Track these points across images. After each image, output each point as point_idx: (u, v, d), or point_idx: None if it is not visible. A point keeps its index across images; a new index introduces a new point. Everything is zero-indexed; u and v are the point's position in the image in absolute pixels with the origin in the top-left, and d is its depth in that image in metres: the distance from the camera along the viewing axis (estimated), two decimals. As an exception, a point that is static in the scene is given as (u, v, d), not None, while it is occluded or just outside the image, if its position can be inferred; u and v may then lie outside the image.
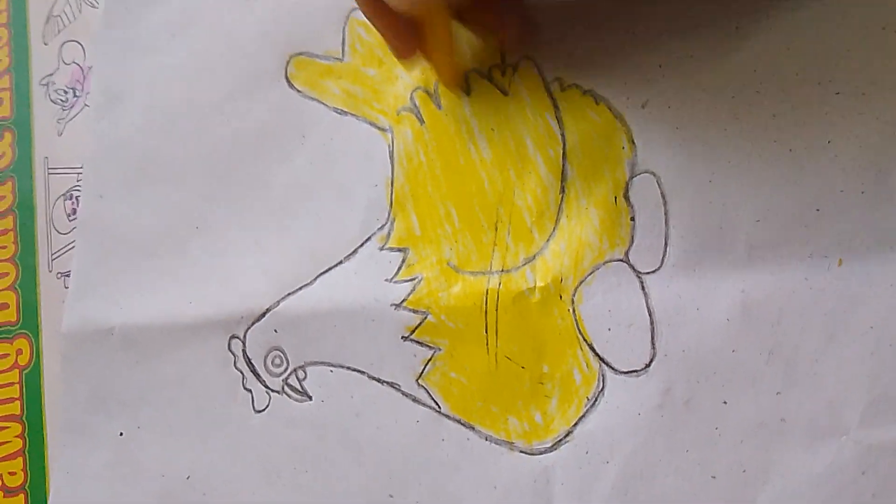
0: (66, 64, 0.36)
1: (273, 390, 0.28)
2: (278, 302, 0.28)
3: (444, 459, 0.25)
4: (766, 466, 0.21)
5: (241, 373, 0.29)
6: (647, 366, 0.23)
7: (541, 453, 0.24)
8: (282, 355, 0.28)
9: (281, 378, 0.28)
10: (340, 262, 0.28)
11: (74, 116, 0.35)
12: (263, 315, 0.28)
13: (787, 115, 0.22)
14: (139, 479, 0.29)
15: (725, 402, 0.22)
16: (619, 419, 0.23)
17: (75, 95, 0.35)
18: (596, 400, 0.24)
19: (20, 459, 0.33)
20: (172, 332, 0.30)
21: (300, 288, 0.28)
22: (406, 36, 0.24)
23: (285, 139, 0.29)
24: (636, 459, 0.23)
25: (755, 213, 0.22)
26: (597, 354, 0.24)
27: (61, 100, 0.36)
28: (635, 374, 0.23)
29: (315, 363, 0.28)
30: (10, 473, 0.33)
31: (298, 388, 0.28)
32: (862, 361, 0.21)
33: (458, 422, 0.25)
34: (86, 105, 0.35)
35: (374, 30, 0.28)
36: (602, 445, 0.23)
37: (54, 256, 0.35)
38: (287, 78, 0.29)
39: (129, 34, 0.32)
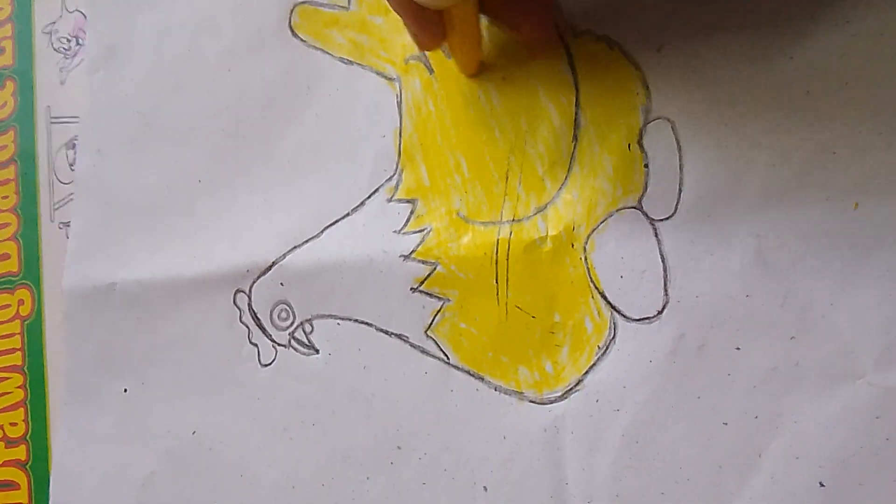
0: (69, 12, 0.36)
1: (279, 344, 0.28)
2: (284, 255, 0.28)
3: (453, 411, 0.25)
4: (778, 412, 0.21)
5: (247, 327, 0.28)
6: (660, 312, 0.23)
7: (551, 402, 0.24)
8: (288, 309, 0.28)
9: (287, 332, 0.28)
10: (348, 215, 0.27)
11: (77, 65, 0.35)
12: (269, 268, 0.28)
13: (803, 57, 0.22)
14: (145, 437, 0.29)
15: (738, 348, 0.22)
16: (630, 367, 0.23)
17: (78, 44, 0.35)
18: (607, 348, 0.23)
19: (21, 410, 0.33)
20: (176, 288, 0.29)
21: (307, 241, 0.28)
22: (432, 28, 0.23)
23: (291, 92, 0.29)
24: (647, 407, 0.23)
25: (770, 158, 0.22)
26: (608, 302, 0.23)
27: (64, 48, 0.35)
28: (647, 321, 0.23)
29: (322, 316, 0.27)
30: (11, 424, 0.33)
31: (305, 341, 0.27)
32: (877, 305, 0.21)
33: (468, 373, 0.25)
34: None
35: (380, -22, 0.28)
36: (613, 393, 0.23)
37: (56, 206, 0.34)
38: (291, 27, 0.29)
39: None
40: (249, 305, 0.28)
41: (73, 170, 0.34)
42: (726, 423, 0.22)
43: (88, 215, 0.31)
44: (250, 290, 0.28)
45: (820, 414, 0.21)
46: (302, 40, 0.29)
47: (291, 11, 0.29)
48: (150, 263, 0.30)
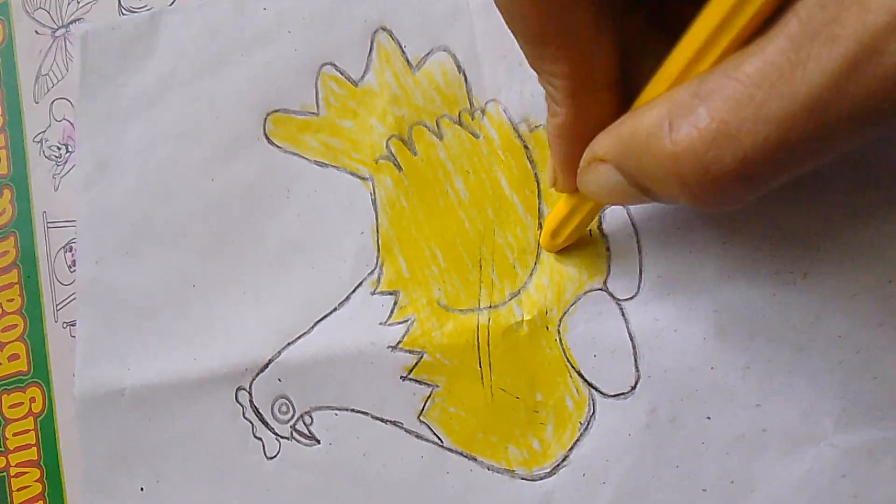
0: (56, 121, 0.38)
1: (282, 437, 0.29)
2: (279, 352, 0.29)
3: (450, 492, 0.26)
4: (751, 475, 0.23)
5: (251, 422, 0.30)
6: (633, 388, 0.24)
7: (541, 479, 0.25)
8: (288, 403, 0.29)
9: (289, 424, 0.29)
10: (335, 309, 0.29)
11: (68, 171, 0.37)
12: (266, 366, 0.30)
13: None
14: (163, 532, 0.31)
15: (709, 418, 0.23)
16: (611, 440, 0.24)
17: (68, 151, 0.37)
18: (588, 424, 0.25)
19: (41, 503, 0.35)
20: (181, 389, 0.31)
21: (299, 336, 0.29)
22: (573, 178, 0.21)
23: (271, 194, 0.30)
24: (630, 477, 0.24)
25: (721, 237, 0.24)
26: (585, 380, 0.25)
27: (55, 155, 0.37)
28: (623, 396, 0.24)
29: (320, 408, 0.29)
30: (30, 517, 0.35)
31: (306, 432, 0.29)
32: (832, 370, 0.22)
33: (461, 454, 0.27)
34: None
35: (344, 83, 0.29)
36: (597, 467, 0.25)
37: (59, 307, 0.36)
38: (266, 135, 0.30)
39: (109, 104, 0.33)
40: (251, 401, 0.30)
41: (72, 271, 0.36)
42: (705, 490, 0.23)
43: (92, 322, 0.33)
44: (250, 387, 0.30)
45: (789, 476, 0.22)
46: (277, 146, 0.30)
47: (265, 119, 0.30)
48: (155, 366, 0.31)
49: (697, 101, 0.15)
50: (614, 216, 0.25)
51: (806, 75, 0.14)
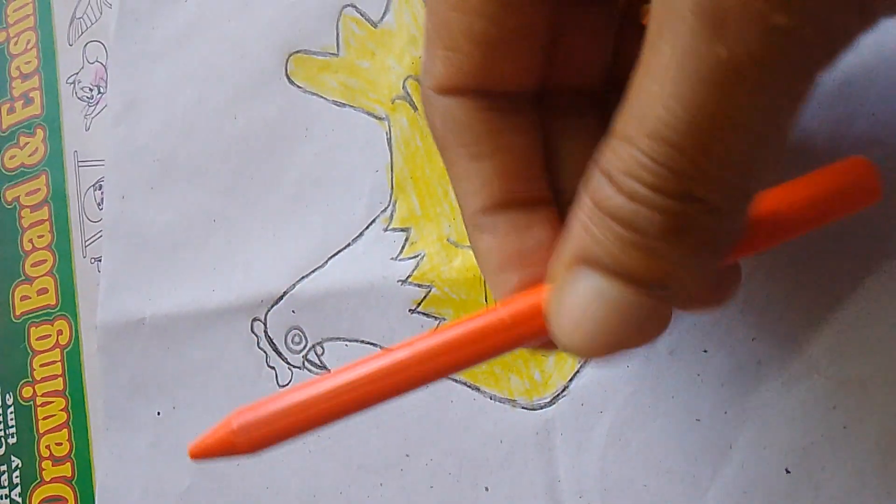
0: (90, 63, 0.39)
1: (294, 366, 0.31)
2: (294, 285, 0.30)
3: (454, 419, 0.27)
4: (744, 407, 0.24)
5: (265, 352, 0.31)
6: (634, 322, 0.25)
7: (541, 408, 0.26)
8: (301, 333, 0.30)
9: (301, 354, 0.30)
10: (349, 245, 0.30)
11: (99, 112, 0.38)
12: (281, 298, 0.31)
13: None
14: (178, 455, 0.32)
15: (706, 351, 0.24)
16: (610, 372, 0.25)
17: (100, 92, 0.38)
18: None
19: (65, 431, 0.36)
20: (199, 319, 0.32)
21: (313, 270, 0.30)
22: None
23: (291, 133, 0.31)
24: (627, 407, 0.25)
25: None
26: (587, 314, 0.26)
27: (87, 97, 0.39)
28: (623, 329, 0.25)
29: (332, 339, 0.30)
30: (56, 444, 0.36)
31: (318, 362, 0.30)
32: (827, 307, 0.23)
33: (465, 384, 0.27)
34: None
35: (364, 24, 0.30)
36: (596, 397, 0.25)
37: (87, 243, 0.37)
38: (287, 75, 0.31)
39: (141, 46, 0.34)
40: (265, 332, 0.31)
41: (100, 209, 0.37)
42: (699, 420, 0.24)
43: (117, 255, 0.34)
44: (265, 318, 0.31)
45: (782, 406, 0.23)
46: (298, 86, 0.31)
47: (287, 60, 0.31)
48: (174, 297, 0.33)
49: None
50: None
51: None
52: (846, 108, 0.22)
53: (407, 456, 0.28)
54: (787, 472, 0.23)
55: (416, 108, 0.29)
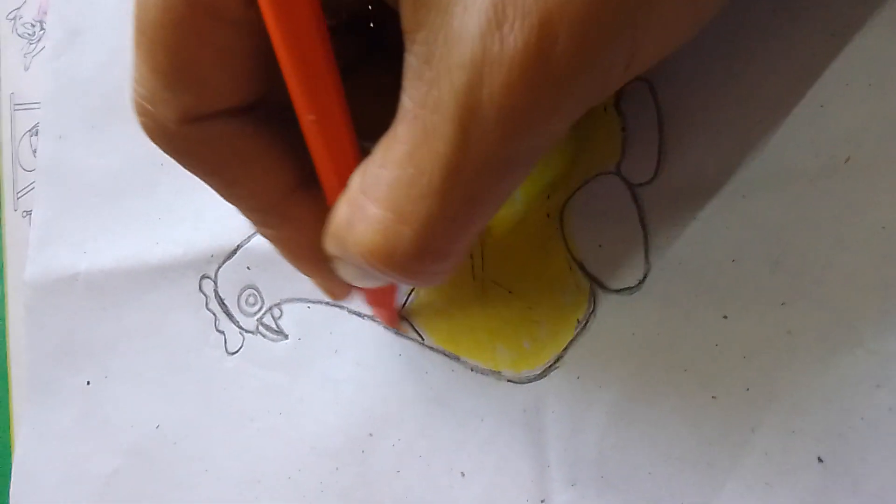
0: (33, -4, 0.35)
1: (247, 330, 0.26)
2: (249, 237, 0.26)
3: (428, 394, 0.24)
4: (771, 383, 0.20)
5: (214, 314, 0.27)
6: (641, 282, 0.21)
7: (530, 381, 0.22)
8: (256, 293, 0.26)
9: (255, 317, 0.26)
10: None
11: (41, 51, 0.34)
12: (235, 252, 0.27)
13: (784, 9, 0.21)
14: (108, 432, 0.28)
15: (726, 317, 0.20)
16: (612, 341, 0.22)
17: (42, 29, 0.34)
18: (587, 322, 0.22)
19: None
20: (140, 276, 0.28)
21: (273, 221, 0.26)
22: (341, 286, 0.21)
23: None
24: (632, 382, 0.21)
25: (756, 113, 0.21)
26: (587, 273, 0.22)
27: (28, 34, 0.34)
28: (629, 291, 0.22)
29: (291, 300, 0.26)
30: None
31: (274, 326, 0.26)
32: (875, 266, 0.19)
33: (443, 353, 0.24)
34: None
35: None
36: (595, 370, 0.22)
37: (20, 194, 0.33)
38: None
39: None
40: (216, 291, 0.27)
41: (36, 157, 0.33)
42: (715, 397, 0.20)
43: (50, 203, 0.30)
44: (216, 276, 0.27)
45: (816, 385, 0.20)
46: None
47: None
48: (113, 250, 0.29)
49: (363, 196, 0.15)
50: (636, 91, 0.22)
51: (437, 142, 0.14)
52: None
53: (370, 435, 0.24)
54: (820, 461, 0.19)
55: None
